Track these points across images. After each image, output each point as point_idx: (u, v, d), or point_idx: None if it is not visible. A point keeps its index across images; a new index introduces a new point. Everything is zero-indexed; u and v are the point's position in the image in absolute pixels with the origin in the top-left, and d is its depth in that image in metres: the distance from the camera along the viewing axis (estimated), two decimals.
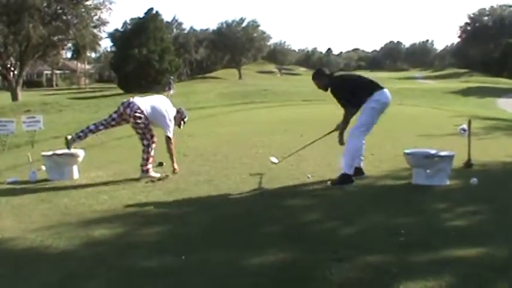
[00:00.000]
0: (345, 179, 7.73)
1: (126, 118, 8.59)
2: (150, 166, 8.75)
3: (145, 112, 8.54)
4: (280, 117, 20.39)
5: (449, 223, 5.95)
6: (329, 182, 7.84)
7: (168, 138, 8.72)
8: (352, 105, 7.92)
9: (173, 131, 8.88)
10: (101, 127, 8.74)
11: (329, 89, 8.15)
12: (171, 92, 45.66)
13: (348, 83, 8.29)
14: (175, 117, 9.00)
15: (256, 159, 10.18)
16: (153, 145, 8.77)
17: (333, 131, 8.43)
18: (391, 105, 8.12)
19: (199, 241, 5.37)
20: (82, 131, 8.69)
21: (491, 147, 11.42)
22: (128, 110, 8.50)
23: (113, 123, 8.73)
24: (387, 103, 7.89)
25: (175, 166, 8.88)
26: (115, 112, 8.73)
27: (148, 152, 8.68)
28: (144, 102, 8.69)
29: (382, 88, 7.94)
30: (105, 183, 8.32)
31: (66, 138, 8.63)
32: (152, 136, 8.73)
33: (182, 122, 9.23)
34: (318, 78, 8.25)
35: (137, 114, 8.47)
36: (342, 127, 8.16)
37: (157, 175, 8.69)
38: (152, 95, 9.59)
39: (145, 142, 8.69)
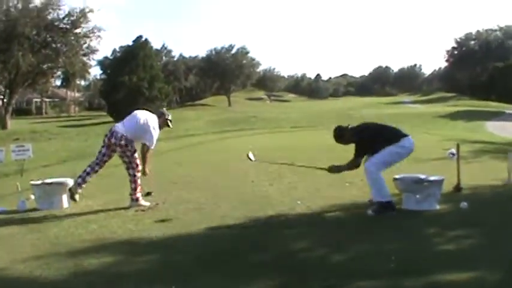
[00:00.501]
0: (383, 207, 7.60)
1: (114, 149, 8.55)
2: (139, 195, 8.73)
3: (129, 136, 8.49)
4: (270, 144, 20.40)
5: (439, 247, 5.96)
6: (370, 211, 7.67)
7: (147, 147, 8.57)
8: (367, 154, 7.85)
9: (156, 142, 8.77)
10: (97, 167, 8.70)
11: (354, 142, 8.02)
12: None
13: (377, 132, 8.13)
14: (159, 123, 8.89)
15: (247, 187, 10.16)
16: (139, 174, 8.68)
17: (323, 169, 8.30)
18: None
19: (190, 270, 5.34)
20: (80, 177, 8.58)
21: (480, 170, 11.46)
22: (113, 140, 8.47)
23: (106, 158, 8.68)
24: (412, 149, 7.89)
25: (147, 170, 8.75)
26: (103, 146, 8.68)
27: (136, 181, 8.64)
28: (125, 126, 8.64)
29: (407, 135, 7.93)
30: (95, 213, 8.29)
31: (70, 190, 8.58)
32: (137, 165, 8.65)
33: (169, 121, 9.10)
34: (342, 137, 8.13)
35: (122, 143, 8.44)
36: (339, 169, 8.08)
37: (147, 204, 8.66)
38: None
39: (131, 172, 8.64)
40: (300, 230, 6.95)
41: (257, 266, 5.41)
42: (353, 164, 7.91)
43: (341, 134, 8.13)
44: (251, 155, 8.97)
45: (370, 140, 7.88)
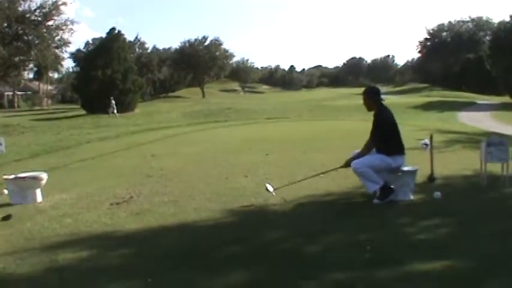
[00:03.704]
0: (383, 192, 7.64)
1: None
2: None
3: None
4: (244, 135, 20.42)
5: (414, 237, 6.02)
6: (375, 200, 7.68)
7: None
8: (378, 141, 7.85)
9: None
10: None
11: (374, 114, 8.02)
12: (114, 111, 46.57)
13: (392, 122, 7.99)
14: None
15: (221, 179, 10.15)
16: None
17: (340, 167, 8.28)
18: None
19: (165, 263, 5.33)
20: None
21: (453, 160, 11.58)
22: None
23: None
24: (400, 167, 7.87)
25: None
26: None
27: None
28: None
29: (404, 153, 7.94)
30: (69, 206, 8.22)
31: None
32: None
33: None
34: (373, 97, 8.06)
35: None
36: (357, 155, 7.98)
37: None
38: None
39: None
40: (275, 222, 6.96)
41: (232, 258, 5.42)
42: (369, 147, 7.91)
43: (372, 95, 8.10)
44: (269, 187, 8.65)
45: (387, 127, 7.90)
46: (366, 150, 7.93)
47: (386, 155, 7.73)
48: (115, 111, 47.46)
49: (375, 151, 7.84)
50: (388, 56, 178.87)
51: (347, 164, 8.00)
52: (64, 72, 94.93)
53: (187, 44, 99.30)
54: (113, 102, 48.75)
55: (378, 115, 7.96)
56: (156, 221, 7.07)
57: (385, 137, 7.83)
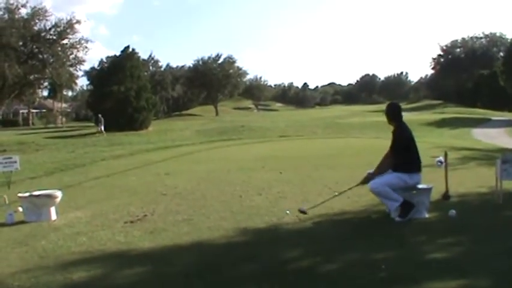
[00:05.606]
0: (404, 208, 7.63)
1: None
2: None
3: None
4: (258, 153, 20.40)
5: (429, 256, 5.97)
6: (397, 218, 7.66)
7: None
8: (398, 156, 7.84)
9: None
10: None
11: (393, 130, 8.06)
12: (102, 128, 47.13)
13: (411, 138, 8.04)
14: None
15: (235, 197, 10.14)
16: None
17: (357, 185, 8.29)
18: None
19: (180, 281, 5.32)
20: None
21: (467, 177, 11.52)
22: None
23: None
24: (417, 184, 7.87)
25: None
26: None
27: None
28: None
29: (420, 171, 7.95)
30: (84, 224, 8.23)
31: None
32: None
33: None
34: (392, 114, 8.12)
35: None
36: (374, 173, 7.95)
37: None
38: None
39: None
40: (289, 240, 6.94)
41: (247, 276, 5.40)
42: (387, 163, 7.90)
43: (394, 112, 8.13)
44: (304, 208, 8.53)
45: (407, 143, 7.91)
46: (385, 166, 7.92)
47: (404, 172, 7.70)
48: (102, 128, 47.88)
49: (391, 170, 7.80)
50: (402, 72, 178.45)
51: (364, 181, 7.99)
52: (78, 90, 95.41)
53: (200, 62, 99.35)
54: (102, 119, 49.17)
55: (398, 131, 7.97)
56: (170, 240, 7.06)
57: (405, 152, 7.81)
